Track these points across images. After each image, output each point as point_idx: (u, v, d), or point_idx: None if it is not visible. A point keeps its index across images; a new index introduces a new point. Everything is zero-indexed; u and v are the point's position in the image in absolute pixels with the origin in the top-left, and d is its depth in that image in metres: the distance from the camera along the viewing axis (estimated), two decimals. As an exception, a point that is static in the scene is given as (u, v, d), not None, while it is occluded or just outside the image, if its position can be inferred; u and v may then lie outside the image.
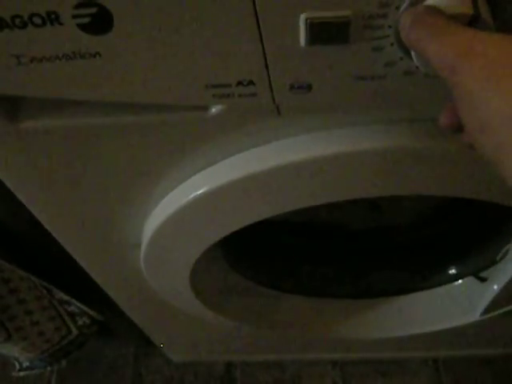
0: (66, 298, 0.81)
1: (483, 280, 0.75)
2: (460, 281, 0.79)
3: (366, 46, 0.38)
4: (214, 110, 0.45)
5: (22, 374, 1.05)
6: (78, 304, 0.82)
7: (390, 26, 0.37)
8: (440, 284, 0.80)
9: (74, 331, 0.90)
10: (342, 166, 0.50)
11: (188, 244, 0.61)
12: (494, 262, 0.73)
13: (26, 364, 1.04)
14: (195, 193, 0.54)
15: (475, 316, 0.78)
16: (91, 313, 0.85)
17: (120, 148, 0.50)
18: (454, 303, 0.79)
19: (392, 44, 0.38)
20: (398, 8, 0.36)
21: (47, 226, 0.62)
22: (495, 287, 0.71)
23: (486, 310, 0.76)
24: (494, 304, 0.74)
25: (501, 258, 0.71)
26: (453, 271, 0.79)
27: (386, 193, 0.54)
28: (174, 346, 1.05)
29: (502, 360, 1.12)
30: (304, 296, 0.81)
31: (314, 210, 0.82)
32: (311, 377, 1.12)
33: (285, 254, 0.81)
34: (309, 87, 0.41)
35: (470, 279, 0.78)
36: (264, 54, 0.39)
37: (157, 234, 0.59)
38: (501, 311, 0.75)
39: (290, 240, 0.80)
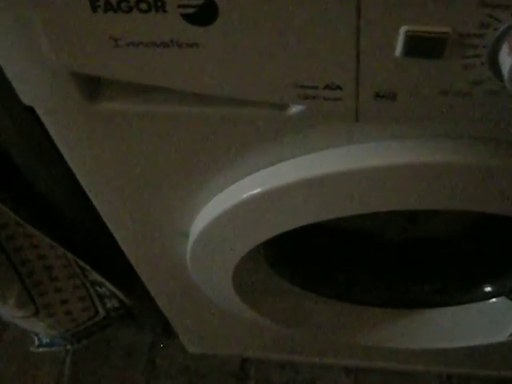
0: (99, 279, 0.82)
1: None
2: (493, 300, 0.79)
3: (458, 63, 0.39)
4: (293, 109, 0.45)
5: (40, 350, 1.06)
6: (111, 286, 0.83)
7: (484, 46, 0.38)
8: (472, 301, 0.80)
9: (102, 313, 0.91)
10: (404, 177, 0.50)
11: (237, 240, 0.62)
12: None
13: (45, 340, 1.05)
14: (252, 191, 0.55)
15: (504, 336, 0.78)
16: (121, 296, 0.85)
17: (190, 138, 0.50)
18: (484, 321, 0.80)
19: (483, 63, 0.39)
20: (496, 29, 0.36)
21: (99, 207, 0.63)
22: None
23: (514, 333, 0.76)
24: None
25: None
26: (487, 289, 0.80)
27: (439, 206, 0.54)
28: (192, 336, 1.06)
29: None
30: (338, 301, 0.82)
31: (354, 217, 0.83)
32: (324, 380, 1.12)
33: (322, 257, 0.81)
34: (393, 97, 0.42)
35: (503, 299, 0.78)
36: (358, 60, 0.39)
37: (209, 227, 0.60)
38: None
39: (328, 244, 0.81)
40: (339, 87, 0.41)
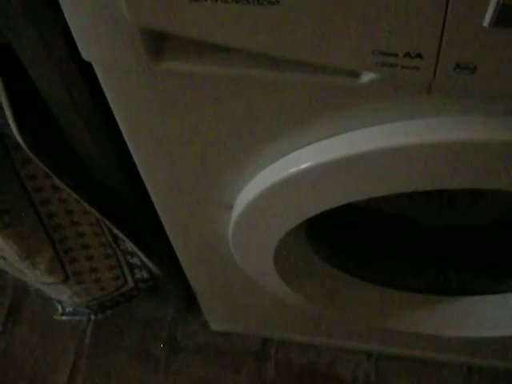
0: (131, 248, 0.81)
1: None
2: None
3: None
4: (366, 78, 0.44)
5: (63, 318, 1.06)
6: (143, 257, 0.82)
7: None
8: (509, 290, 0.79)
9: (130, 283, 0.91)
10: (470, 154, 0.49)
11: (282, 216, 0.61)
12: None
13: (68, 309, 1.05)
14: (303, 165, 0.54)
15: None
16: (152, 267, 0.85)
17: (251, 104, 0.49)
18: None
19: None
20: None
21: (143, 172, 0.62)
22: None
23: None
24: None
25: None
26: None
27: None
28: (216, 313, 1.05)
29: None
30: (375, 285, 0.81)
31: (392, 200, 0.81)
32: (345, 365, 1.12)
33: (362, 240, 0.80)
34: (473, 69, 0.41)
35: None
36: (443, 28, 0.38)
37: (255, 200, 0.59)
38: None
39: (368, 227, 0.80)
40: (419, 55, 0.40)
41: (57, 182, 0.69)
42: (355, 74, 0.44)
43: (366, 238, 0.81)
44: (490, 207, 0.80)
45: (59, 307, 1.05)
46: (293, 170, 0.55)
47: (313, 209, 0.60)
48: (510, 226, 0.79)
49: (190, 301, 1.11)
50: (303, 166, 0.54)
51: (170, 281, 1.02)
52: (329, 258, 0.78)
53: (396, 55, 0.40)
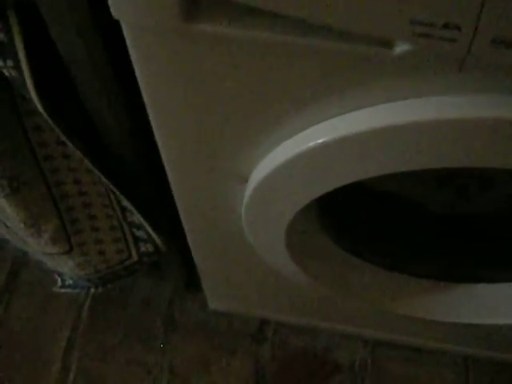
0: (138, 221, 0.81)
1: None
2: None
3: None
4: (399, 49, 0.44)
5: (62, 290, 1.06)
6: (150, 229, 0.82)
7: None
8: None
9: (134, 257, 0.90)
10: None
11: (298, 191, 0.61)
12: None
13: (68, 282, 1.04)
14: (321, 140, 0.54)
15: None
16: (158, 241, 0.84)
17: (281, 72, 0.49)
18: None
19: None
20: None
21: (161, 140, 0.62)
22: None
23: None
24: None
25: None
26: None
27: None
28: (217, 291, 1.05)
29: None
30: (384, 269, 0.81)
31: (404, 183, 0.82)
32: (342, 349, 1.12)
33: (372, 224, 0.80)
34: (510, 44, 0.41)
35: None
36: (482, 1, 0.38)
37: (271, 175, 0.59)
38: None
39: (379, 212, 0.80)
40: (458, 27, 0.40)
41: (70, 148, 0.69)
42: (389, 45, 0.44)
43: (376, 222, 0.81)
44: (498, 196, 0.81)
45: (59, 280, 1.05)
46: (311, 144, 0.54)
47: (327, 185, 0.60)
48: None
49: (189, 279, 1.11)
50: (321, 140, 0.54)
51: (171, 258, 1.01)
52: (339, 240, 0.78)
53: (434, 25, 0.40)
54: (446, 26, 0.40)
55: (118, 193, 0.75)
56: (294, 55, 0.46)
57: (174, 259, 1.03)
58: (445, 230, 0.81)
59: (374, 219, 0.80)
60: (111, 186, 0.74)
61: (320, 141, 0.53)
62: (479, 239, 0.81)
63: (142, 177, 0.78)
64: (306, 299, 0.98)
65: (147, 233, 0.83)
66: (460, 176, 0.80)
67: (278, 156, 0.58)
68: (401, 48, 0.44)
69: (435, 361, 1.12)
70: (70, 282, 1.04)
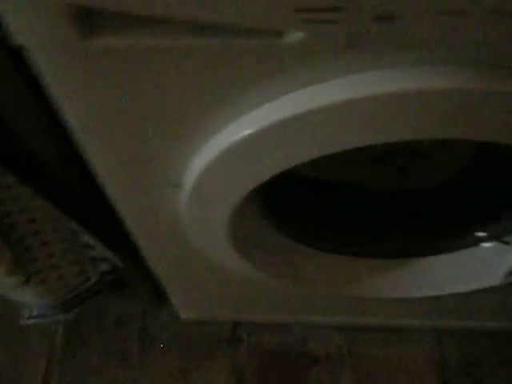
0: (90, 241, 0.81)
1: (506, 243, 0.77)
2: (484, 244, 0.80)
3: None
4: (291, 37, 0.45)
5: (31, 321, 1.05)
6: (102, 249, 0.82)
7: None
8: (464, 247, 0.82)
9: (93, 278, 0.91)
10: (399, 105, 0.50)
11: (232, 185, 0.62)
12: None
13: (36, 312, 1.04)
14: (246, 132, 0.55)
15: (497, 280, 0.79)
16: (113, 259, 0.85)
17: (185, 75, 0.50)
18: (478, 266, 0.81)
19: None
20: None
21: (88, 155, 0.62)
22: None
23: (508, 276, 0.77)
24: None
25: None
26: (478, 234, 0.81)
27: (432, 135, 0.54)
28: (185, 300, 1.05)
29: (505, 334, 1.14)
30: (331, 254, 0.82)
31: (343, 169, 0.83)
32: (317, 340, 1.13)
33: (316, 210, 0.82)
34: (392, 18, 0.42)
35: (494, 243, 0.79)
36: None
37: (203, 174, 0.60)
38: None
39: (321, 197, 0.81)
40: (339, 9, 0.41)
41: (10, 178, 0.69)
42: (280, 35, 0.45)
43: (321, 208, 0.82)
44: (438, 170, 0.83)
45: (26, 311, 1.04)
46: (234, 139, 0.55)
47: (259, 176, 0.60)
48: (458, 187, 0.81)
49: (158, 293, 1.11)
50: (244, 133, 0.55)
51: (136, 274, 1.02)
52: (287, 230, 0.79)
53: (315, 10, 0.41)
54: (329, 9, 0.41)
55: (64, 216, 0.75)
56: (192, 57, 0.47)
57: (139, 274, 1.03)
58: (389, 209, 0.83)
59: (318, 206, 0.81)
60: (56, 211, 0.74)
61: (241, 134, 0.54)
62: (422, 214, 0.83)
63: (86, 197, 0.78)
64: (273, 296, 0.99)
65: (101, 252, 0.84)
66: (397, 154, 0.82)
67: (205, 156, 0.59)
68: (292, 36, 0.45)
69: (410, 338, 1.14)
70: (38, 311, 1.04)
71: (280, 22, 0.43)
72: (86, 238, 0.80)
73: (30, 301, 0.94)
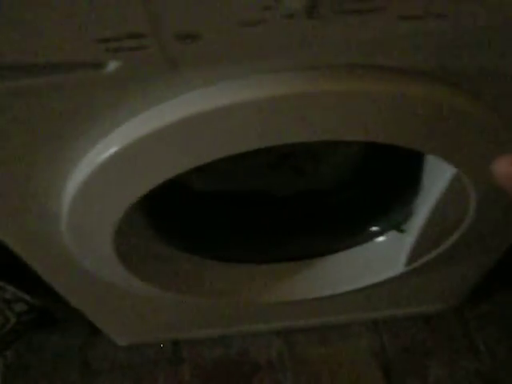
0: (1, 284, 0.81)
1: (402, 232, 0.78)
2: (382, 237, 0.82)
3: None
4: (110, 66, 0.46)
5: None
6: (13, 289, 0.82)
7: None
8: (364, 241, 0.83)
9: (12, 319, 0.90)
10: (244, 114, 0.52)
11: (108, 205, 0.62)
12: (411, 215, 0.77)
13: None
14: (105, 154, 0.55)
15: (400, 268, 0.81)
16: (27, 298, 0.84)
17: (32, 112, 0.50)
18: (379, 258, 0.83)
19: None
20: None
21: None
22: (412, 237, 0.74)
23: (409, 261, 0.79)
24: (415, 254, 0.77)
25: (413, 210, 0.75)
26: (373, 229, 0.83)
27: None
28: (118, 328, 1.05)
29: (439, 316, 1.16)
30: (231, 263, 0.83)
31: (240, 179, 0.84)
32: (257, 348, 1.14)
33: (211, 221, 0.82)
34: (195, 37, 0.43)
35: (392, 233, 0.81)
36: (146, 2, 0.40)
37: (76, 199, 0.60)
38: (422, 261, 0.79)
39: (217, 208, 0.82)
40: (141, 35, 0.42)
41: None
42: (101, 65, 0.46)
43: (223, 219, 0.83)
44: (334, 171, 0.84)
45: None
46: (100, 160, 0.56)
47: (136, 190, 0.61)
48: (353, 184, 0.83)
49: (93, 324, 1.11)
50: (105, 155, 0.55)
51: (67, 308, 1.01)
52: (176, 242, 0.79)
53: (119, 39, 0.42)
54: (130, 36, 0.42)
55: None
56: (34, 94, 0.48)
57: (68, 308, 1.03)
58: (288, 213, 0.84)
59: (219, 217, 0.82)
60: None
61: (104, 156, 0.55)
62: (320, 214, 0.84)
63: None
64: (203, 311, 1.00)
65: (13, 293, 0.83)
66: (291, 157, 0.83)
67: (75, 182, 0.59)
68: (111, 66, 0.46)
69: (348, 332, 1.15)
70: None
71: (90, 55, 0.43)
72: (-6, 281, 0.80)
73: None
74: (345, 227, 0.84)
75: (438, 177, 0.65)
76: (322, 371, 1.13)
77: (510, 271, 1.16)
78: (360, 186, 0.81)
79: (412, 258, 0.78)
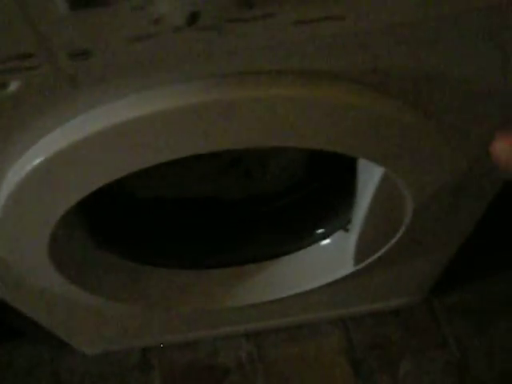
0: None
1: (347, 231, 0.78)
2: (330, 237, 0.82)
3: (126, 6, 0.40)
4: (12, 86, 0.45)
5: None
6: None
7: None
8: (313, 243, 0.83)
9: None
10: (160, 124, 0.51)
11: (40, 214, 0.61)
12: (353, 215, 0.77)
13: None
14: (30, 165, 0.55)
15: (350, 268, 0.81)
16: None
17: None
18: (329, 258, 0.83)
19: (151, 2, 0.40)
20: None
21: None
22: (355, 237, 0.74)
23: (357, 261, 0.79)
24: (360, 254, 0.77)
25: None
26: (321, 230, 0.83)
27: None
28: (82, 339, 1.05)
29: (408, 309, 1.16)
30: (177, 269, 0.83)
31: (187, 184, 0.84)
32: (226, 351, 1.14)
33: (156, 227, 0.82)
34: (87, 54, 0.43)
35: (339, 233, 0.81)
36: (30, 23, 0.40)
37: (7, 207, 0.60)
38: (369, 260, 0.79)
39: (162, 213, 0.82)
40: (32, 55, 0.42)
41: None
42: (4, 86, 0.46)
43: (170, 225, 0.83)
44: (281, 175, 0.84)
45: None
46: (26, 170, 0.55)
47: (65, 200, 0.60)
48: (302, 188, 0.83)
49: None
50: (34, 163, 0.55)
51: (31, 322, 1.01)
52: (127, 252, 0.79)
53: (10, 59, 0.42)
54: (23, 56, 0.42)
55: None
56: None
57: (34, 320, 1.03)
58: (238, 216, 0.84)
59: (163, 223, 0.82)
60: None
61: (31, 166, 0.55)
62: (272, 217, 0.84)
63: None
64: (168, 317, 1.00)
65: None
66: (240, 161, 0.83)
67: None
68: (13, 85, 0.46)
69: (317, 332, 1.16)
70: None
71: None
72: None
73: None
74: (292, 230, 0.84)
75: (369, 177, 0.65)
76: (292, 371, 1.13)
77: (477, 260, 1.17)
78: (305, 189, 0.81)
79: (359, 258, 0.78)
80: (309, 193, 0.82)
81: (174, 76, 0.49)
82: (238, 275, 0.84)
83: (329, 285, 0.87)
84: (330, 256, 0.82)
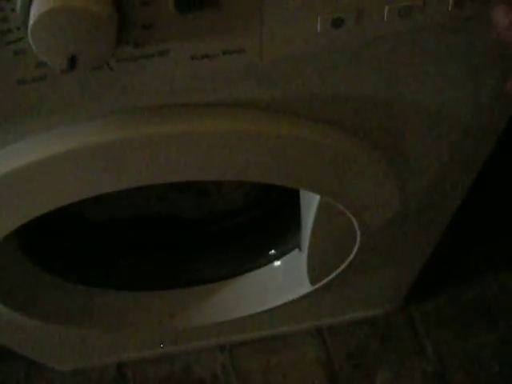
0: None
1: (300, 250, 0.77)
2: (287, 255, 0.81)
3: (7, 51, 0.38)
4: None
5: None
6: None
7: (18, 28, 0.37)
8: (269, 262, 0.81)
9: None
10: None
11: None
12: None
13: None
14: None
15: (307, 287, 0.79)
16: None
17: None
18: (286, 277, 0.81)
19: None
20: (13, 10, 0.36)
21: None
22: (304, 255, 0.72)
23: (312, 280, 0.77)
24: (314, 274, 0.75)
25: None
26: (273, 251, 0.81)
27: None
28: (52, 357, 1.05)
29: (385, 318, 1.14)
30: (129, 291, 0.82)
31: (142, 204, 0.82)
32: (201, 364, 1.13)
33: (107, 248, 0.81)
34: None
35: (295, 252, 0.79)
36: None
37: None
38: (325, 281, 0.77)
39: (117, 234, 0.81)
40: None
41: None
42: None
43: (124, 245, 0.82)
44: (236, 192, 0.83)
45: None
46: None
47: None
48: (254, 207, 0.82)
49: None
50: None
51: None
52: (72, 274, 0.78)
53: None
54: None
55: None
56: None
57: None
58: (193, 235, 0.83)
59: (116, 244, 0.81)
60: None
61: None
62: (223, 237, 0.83)
63: None
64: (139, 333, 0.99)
65: None
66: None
67: None
68: None
69: (293, 343, 1.14)
70: None
71: None
72: None
73: None
74: (246, 250, 0.82)
75: (311, 200, 0.63)
76: (267, 382, 1.12)
77: (454, 267, 1.15)
78: (257, 209, 0.80)
79: (313, 278, 0.77)
80: (261, 213, 0.81)
81: (73, 115, 0.47)
82: (196, 295, 0.83)
83: (294, 301, 0.86)
84: (286, 276, 0.81)
